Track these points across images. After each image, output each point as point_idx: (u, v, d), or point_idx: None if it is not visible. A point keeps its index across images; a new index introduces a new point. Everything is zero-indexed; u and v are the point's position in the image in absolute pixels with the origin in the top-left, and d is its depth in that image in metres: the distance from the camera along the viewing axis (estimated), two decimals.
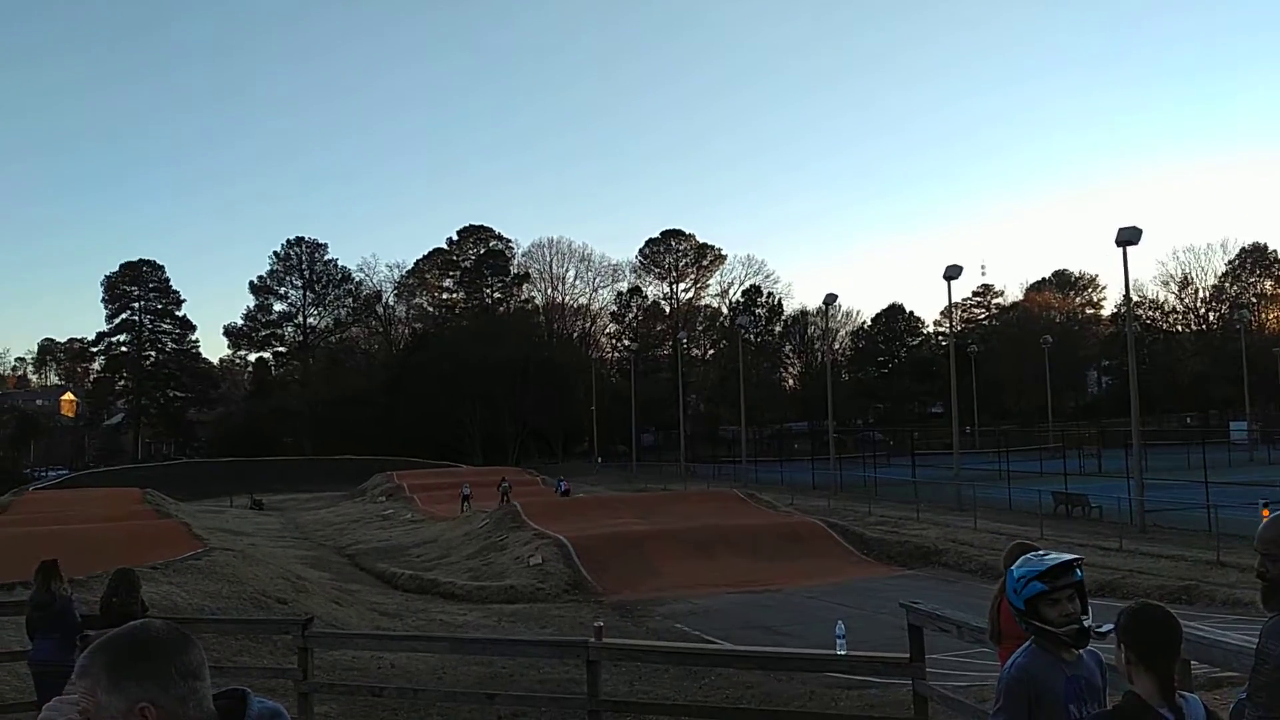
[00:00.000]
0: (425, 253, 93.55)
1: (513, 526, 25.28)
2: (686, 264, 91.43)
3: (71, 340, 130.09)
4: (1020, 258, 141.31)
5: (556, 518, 26.38)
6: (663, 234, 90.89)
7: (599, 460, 68.05)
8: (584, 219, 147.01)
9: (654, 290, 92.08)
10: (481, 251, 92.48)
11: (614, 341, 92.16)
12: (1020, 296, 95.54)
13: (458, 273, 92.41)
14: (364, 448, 70.57)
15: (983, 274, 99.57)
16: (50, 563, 7.59)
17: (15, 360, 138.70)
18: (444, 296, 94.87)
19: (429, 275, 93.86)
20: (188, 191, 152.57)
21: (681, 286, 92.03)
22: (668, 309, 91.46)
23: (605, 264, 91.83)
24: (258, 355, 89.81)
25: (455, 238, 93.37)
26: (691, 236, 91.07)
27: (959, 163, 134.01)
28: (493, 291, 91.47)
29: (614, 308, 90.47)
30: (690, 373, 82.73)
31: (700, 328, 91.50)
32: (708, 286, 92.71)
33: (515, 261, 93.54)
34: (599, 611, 17.04)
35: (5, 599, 12.79)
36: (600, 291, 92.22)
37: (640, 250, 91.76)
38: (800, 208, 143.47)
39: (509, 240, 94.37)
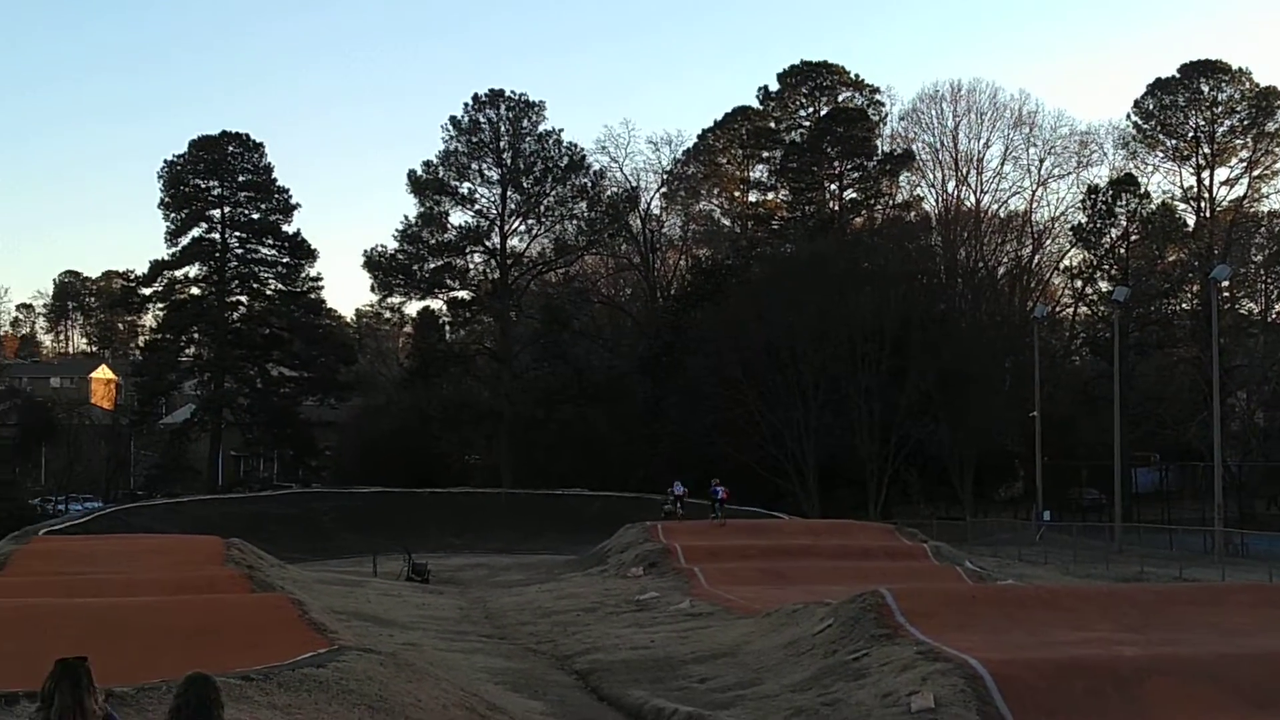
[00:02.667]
0: (719, 116, 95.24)
1: (878, 635, 25.03)
2: (1231, 130, 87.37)
3: (109, 275, 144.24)
4: None
5: (960, 624, 25.84)
6: (1183, 71, 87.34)
7: (1044, 516, 66.45)
8: (1014, 49, 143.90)
9: (1163, 182, 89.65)
10: (823, 112, 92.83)
11: (1077, 285, 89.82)
12: None
13: (778, 151, 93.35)
14: (608, 476, 73.36)
15: None
16: (77, 664, 8.19)
17: (18, 309, 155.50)
18: (751, 198, 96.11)
19: (725, 159, 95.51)
20: (299, 36, 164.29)
21: (1220, 175, 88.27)
22: (1191, 219, 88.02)
23: (1065, 132, 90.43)
24: (421, 305, 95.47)
25: (775, 87, 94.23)
26: (1242, 74, 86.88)
27: None
28: (842, 187, 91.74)
29: (1081, 217, 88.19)
30: (1237, 347, 78.95)
31: (1260, 256, 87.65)
32: (1277, 174, 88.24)
33: (886, 131, 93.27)
34: None
35: None
36: (1054, 185, 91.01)
37: (1137, 104, 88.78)
38: None
39: (874, 89, 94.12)
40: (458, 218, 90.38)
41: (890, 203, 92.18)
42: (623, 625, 33.11)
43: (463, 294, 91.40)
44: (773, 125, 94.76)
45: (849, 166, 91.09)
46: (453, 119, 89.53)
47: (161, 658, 18.03)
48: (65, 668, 8.15)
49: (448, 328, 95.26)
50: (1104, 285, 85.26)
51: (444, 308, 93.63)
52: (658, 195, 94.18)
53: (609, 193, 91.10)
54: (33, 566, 38.12)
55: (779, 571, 41.04)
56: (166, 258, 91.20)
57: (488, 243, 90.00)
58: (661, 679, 25.38)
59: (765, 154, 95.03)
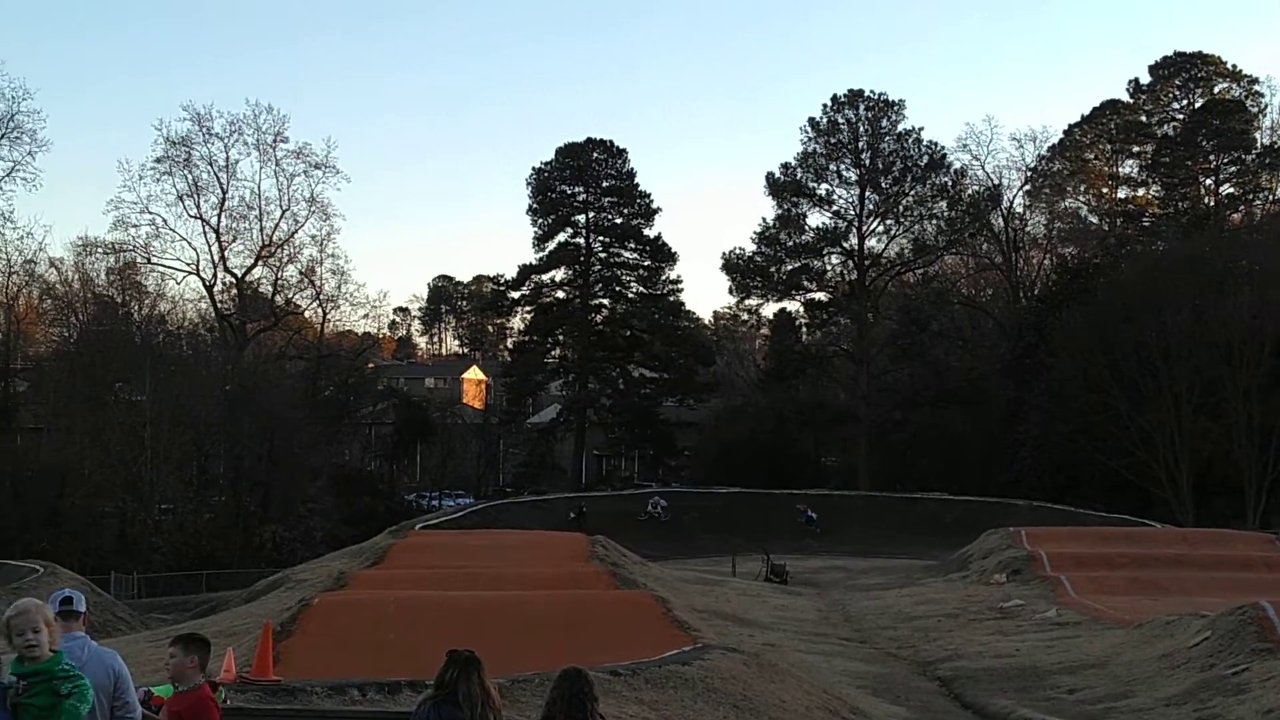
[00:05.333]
0: (1087, 111, 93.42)
1: (1259, 650, 24.03)
2: None
3: (479, 279, 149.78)
4: None
5: None
6: None
7: None
8: None
9: None
10: (1198, 104, 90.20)
11: None
12: None
13: (1149, 146, 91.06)
14: (967, 480, 72.48)
15: None
16: (469, 658, 8.53)
17: (395, 312, 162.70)
18: (1120, 195, 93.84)
19: (1092, 154, 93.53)
20: (660, 43, 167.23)
21: None
22: None
23: None
24: (778, 307, 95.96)
25: (1146, 79, 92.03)
26: None
27: None
28: (1218, 182, 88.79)
29: None
30: None
31: None
32: None
33: (1266, 123, 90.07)
34: None
35: (382, 706, 14.65)
36: None
37: None
38: None
39: (1252, 80, 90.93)
40: (815, 219, 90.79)
41: (1270, 198, 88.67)
42: (986, 632, 32.71)
43: (820, 295, 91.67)
44: (1144, 119, 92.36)
45: (1226, 160, 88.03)
46: (811, 120, 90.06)
47: (532, 650, 18.56)
48: (459, 662, 8.47)
49: (804, 329, 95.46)
50: None
51: (801, 309, 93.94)
52: (1021, 193, 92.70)
53: (970, 191, 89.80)
54: (408, 560, 40.05)
55: (1150, 581, 39.89)
56: (534, 262, 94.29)
57: (845, 244, 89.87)
58: (1027, 688, 24.99)
59: (1135, 149, 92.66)
